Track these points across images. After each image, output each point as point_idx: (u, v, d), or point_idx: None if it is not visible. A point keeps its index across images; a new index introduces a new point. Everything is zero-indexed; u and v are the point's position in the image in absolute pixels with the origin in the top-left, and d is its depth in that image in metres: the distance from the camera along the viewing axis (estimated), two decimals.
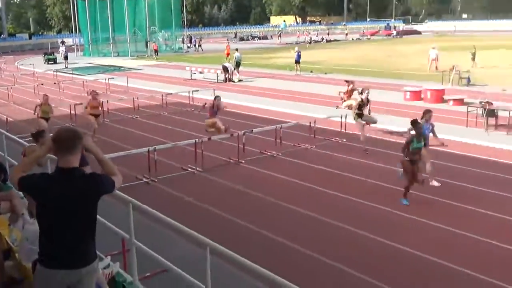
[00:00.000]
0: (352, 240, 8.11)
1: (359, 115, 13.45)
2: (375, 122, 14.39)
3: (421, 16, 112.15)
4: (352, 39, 71.99)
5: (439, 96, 20.53)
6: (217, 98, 13.95)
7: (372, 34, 78.17)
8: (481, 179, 10.90)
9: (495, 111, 15.61)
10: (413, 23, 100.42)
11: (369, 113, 14.83)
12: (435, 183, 10.09)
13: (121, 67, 40.27)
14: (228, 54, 38.07)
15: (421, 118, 10.36)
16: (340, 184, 10.76)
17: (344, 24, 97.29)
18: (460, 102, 19.50)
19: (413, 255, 7.46)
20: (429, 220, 8.68)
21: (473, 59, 31.14)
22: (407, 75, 28.97)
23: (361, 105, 13.46)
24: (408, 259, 7.42)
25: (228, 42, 47.80)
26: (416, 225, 8.62)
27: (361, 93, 14.04)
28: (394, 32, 77.68)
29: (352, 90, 16.93)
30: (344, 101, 16.84)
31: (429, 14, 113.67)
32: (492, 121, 15.55)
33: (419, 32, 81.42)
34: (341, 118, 15.18)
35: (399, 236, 8.08)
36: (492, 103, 15.89)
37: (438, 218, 8.71)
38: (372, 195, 9.93)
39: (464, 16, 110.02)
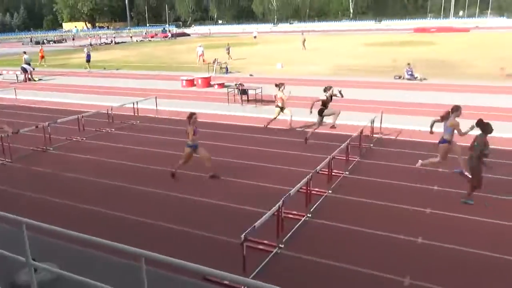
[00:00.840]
0: (145, 196, 8.11)
1: (321, 111, 11.29)
2: (334, 113, 11.41)
3: (188, 22, 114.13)
4: (137, 40, 69.80)
5: (207, 82, 21.45)
6: (194, 115, 8.64)
7: (152, 37, 76.86)
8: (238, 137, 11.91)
9: (246, 90, 17.08)
10: (183, 27, 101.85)
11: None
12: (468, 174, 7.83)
13: None
14: (42, 57, 34.09)
15: (451, 113, 8.20)
16: (137, 156, 10.60)
17: (129, 29, 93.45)
18: (222, 85, 20.72)
19: (179, 197, 7.85)
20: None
21: (228, 53, 33.20)
22: (183, 68, 29.45)
23: (325, 102, 11.20)
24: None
25: (41, 46, 42.73)
26: (188, 177, 9.05)
27: (325, 91, 11.23)
28: (169, 35, 77.57)
29: (283, 92, 12.47)
30: (277, 106, 12.60)
31: (195, 20, 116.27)
32: (244, 97, 16.98)
33: (188, 34, 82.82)
34: (133, 104, 14.84)
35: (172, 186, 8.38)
36: (243, 85, 17.46)
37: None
38: (163, 163, 9.98)
39: (220, 21, 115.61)
